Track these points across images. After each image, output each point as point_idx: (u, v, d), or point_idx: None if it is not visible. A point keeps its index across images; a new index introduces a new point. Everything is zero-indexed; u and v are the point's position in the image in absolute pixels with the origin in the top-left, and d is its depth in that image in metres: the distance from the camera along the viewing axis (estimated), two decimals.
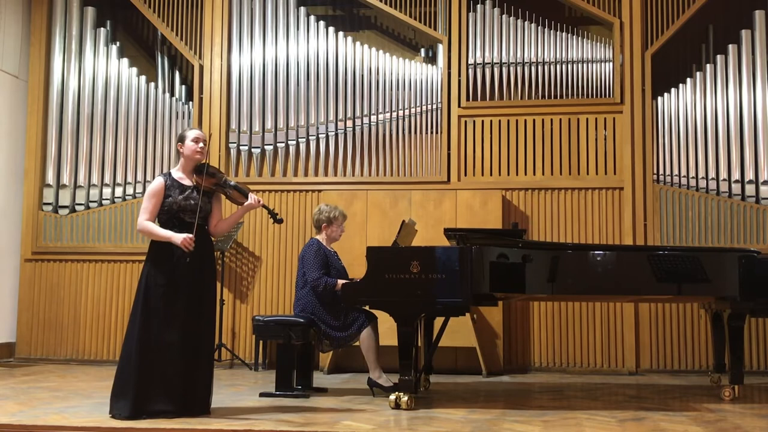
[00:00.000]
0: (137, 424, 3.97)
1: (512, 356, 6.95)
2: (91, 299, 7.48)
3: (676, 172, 6.99)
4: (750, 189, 6.85)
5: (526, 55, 7.21)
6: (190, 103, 7.62)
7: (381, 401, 4.85)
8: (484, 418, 4.30)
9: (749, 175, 6.85)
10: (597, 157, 7.11)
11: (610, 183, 7.05)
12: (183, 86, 7.85)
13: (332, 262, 5.35)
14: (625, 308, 6.87)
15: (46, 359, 7.43)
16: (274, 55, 7.49)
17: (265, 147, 7.40)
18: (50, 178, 7.62)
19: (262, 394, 5.14)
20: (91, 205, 7.57)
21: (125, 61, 7.74)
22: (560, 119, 7.15)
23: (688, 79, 7.11)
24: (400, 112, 7.31)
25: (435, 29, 7.44)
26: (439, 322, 5.09)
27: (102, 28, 7.78)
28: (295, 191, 7.36)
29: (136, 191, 7.51)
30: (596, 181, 7.07)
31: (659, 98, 7.11)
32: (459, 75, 7.25)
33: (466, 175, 7.19)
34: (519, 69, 7.20)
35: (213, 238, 4.56)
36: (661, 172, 7.02)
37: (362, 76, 7.38)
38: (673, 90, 7.10)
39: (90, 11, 7.80)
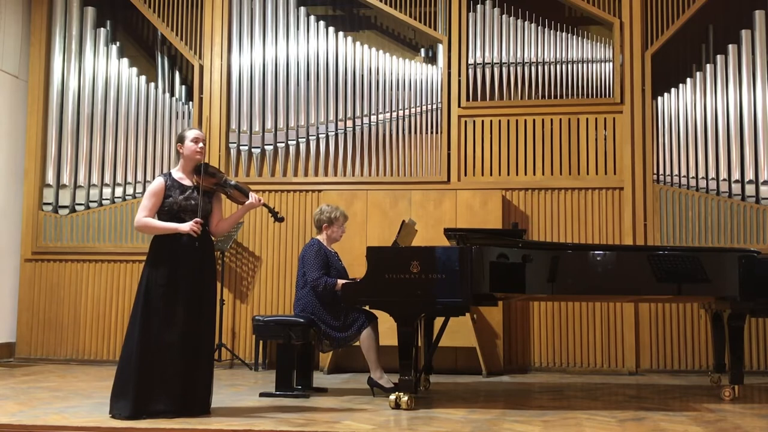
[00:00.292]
0: (137, 424, 3.97)
1: (512, 356, 6.95)
2: (91, 299, 7.48)
3: (676, 172, 6.99)
4: (750, 189, 6.85)
5: (526, 55, 7.21)
6: (190, 103, 7.62)
7: (381, 401, 4.85)
8: (484, 418, 4.30)
9: (749, 175, 6.85)
10: (597, 157, 7.11)
11: (610, 183, 7.05)
12: (183, 86, 7.85)
13: (332, 263, 5.35)
14: (625, 308, 6.86)
15: (46, 359, 7.43)
16: (274, 55, 7.49)
17: (265, 147, 7.40)
18: (50, 178, 7.62)
19: (262, 394, 5.14)
20: (91, 205, 7.57)
21: (125, 61, 7.74)
22: (560, 119, 7.15)
23: (688, 79, 7.11)
24: (400, 112, 7.31)
25: (435, 29, 7.43)
26: (439, 322, 5.09)
27: (102, 28, 7.78)
28: (295, 191, 7.36)
29: (136, 191, 7.51)
30: (596, 181, 7.07)
31: (659, 98, 7.11)
32: (459, 75, 7.25)
33: (466, 175, 7.19)
34: (519, 69, 7.20)
35: (213, 238, 4.57)
36: (661, 172, 7.02)
37: (362, 76, 7.38)
38: (673, 90, 7.10)
39: (90, 11, 7.79)
